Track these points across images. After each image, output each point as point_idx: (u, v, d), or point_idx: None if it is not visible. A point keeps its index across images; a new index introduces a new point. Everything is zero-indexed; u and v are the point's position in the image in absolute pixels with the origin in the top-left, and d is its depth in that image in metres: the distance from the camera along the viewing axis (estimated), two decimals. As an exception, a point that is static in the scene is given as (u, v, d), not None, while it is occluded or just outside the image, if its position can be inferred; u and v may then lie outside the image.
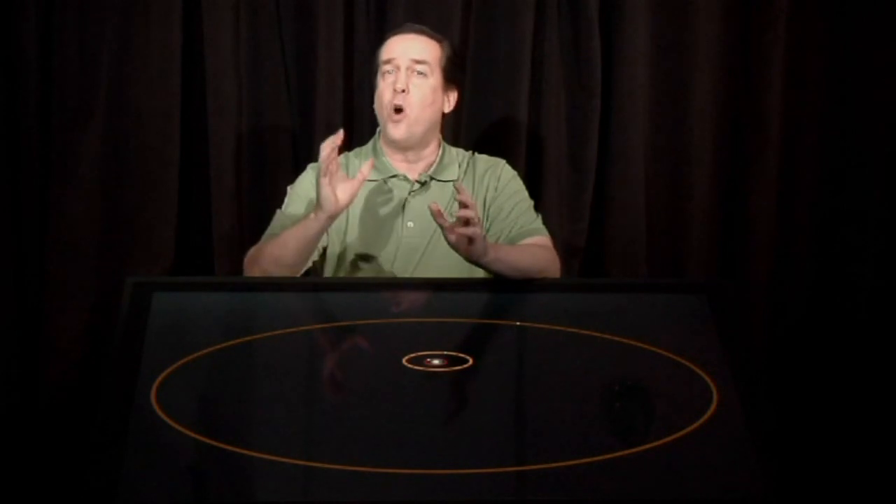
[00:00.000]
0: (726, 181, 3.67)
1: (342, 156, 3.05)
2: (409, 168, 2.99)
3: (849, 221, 3.65)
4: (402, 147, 2.96)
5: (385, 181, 2.98)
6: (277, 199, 3.07)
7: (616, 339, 2.56)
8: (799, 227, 3.67)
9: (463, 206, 2.58)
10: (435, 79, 2.94)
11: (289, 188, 3.01)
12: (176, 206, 3.51)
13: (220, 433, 2.26)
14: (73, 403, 3.44)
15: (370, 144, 3.04)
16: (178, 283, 2.99)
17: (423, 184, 2.98)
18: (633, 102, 3.57)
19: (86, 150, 3.47)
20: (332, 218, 2.74)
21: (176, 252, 3.51)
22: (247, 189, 3.53)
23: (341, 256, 2.93)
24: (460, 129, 3.55)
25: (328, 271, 2.96)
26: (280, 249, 2.78)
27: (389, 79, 2.93)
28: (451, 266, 2.86)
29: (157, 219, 3.50)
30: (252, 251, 2.90)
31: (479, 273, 2.80)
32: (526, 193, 3.06)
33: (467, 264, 2.73)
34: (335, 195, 2.70)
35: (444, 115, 3.02)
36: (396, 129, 2.93)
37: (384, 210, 2.94)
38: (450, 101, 3.01)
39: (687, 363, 2.47)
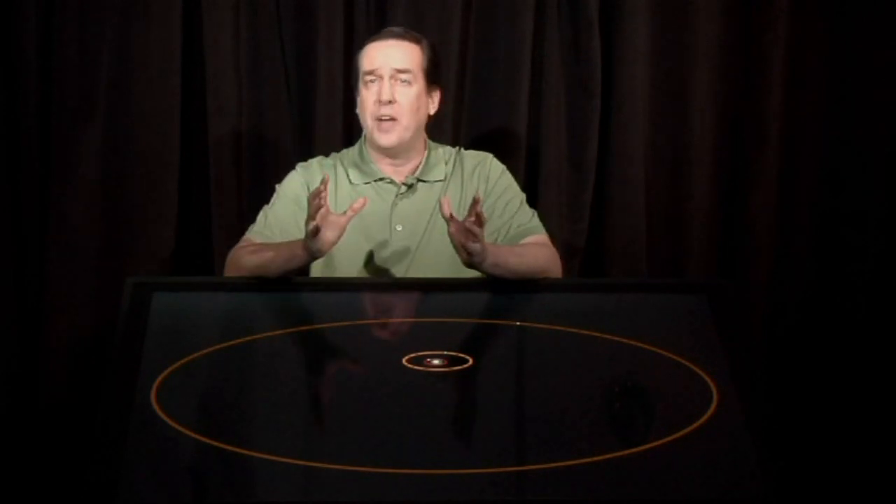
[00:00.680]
0: (726, 181, 3.67)
1: (330, 157, 3.05)
2: (396, 171, 2.98)
3: (849, 221, 3.65)
4: (389, 153, 2.96)
5: (372, 185, 2.98)
6: (277, 198, 3.06)
7: (616, 339, 2.56)
8: (799, 227, 3.67)
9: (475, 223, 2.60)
10: (418, 84, 2.93)
11: (277, 186, 3.01)
12: (176, 206, 3.51)
13: (220, 433, 2.26)
14: (73, 403, 3.44)
15: (356, 148, 3.02)
16: (178, 283, 2.99)
17: (409, 186, 2.97)
18: (633, 102, 3.57)
19: (86, 150, 3.48)
20: (317, 258, 2.73)
21: (176, 252, 3.51)
22: (247, 189, 3.52)
23: (330, 262, 2.92)
24: (460, 129, 3.55)
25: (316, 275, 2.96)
26: (262, 269, 2.75)
27: (373, 88, 2.91)
28: (441, 268, 2.86)
29: (157, 219, 3.50)
30: (235, 253, 2.87)
31: (471, 273, 2.81)
32: (517, 188, 3.05)
33: (458, 265, 2.74)
34: (324, 239, 2.66)
35: (429, 116, 3.01)
36: (385, 138, 2.92)
37: (372, 214, 2.93)
38: (434, 103, 3.00)
39: (687, 363, 2.47)
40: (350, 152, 3.04)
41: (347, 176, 2.98)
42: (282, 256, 2.74)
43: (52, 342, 3.49)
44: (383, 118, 2.90)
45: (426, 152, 3.01)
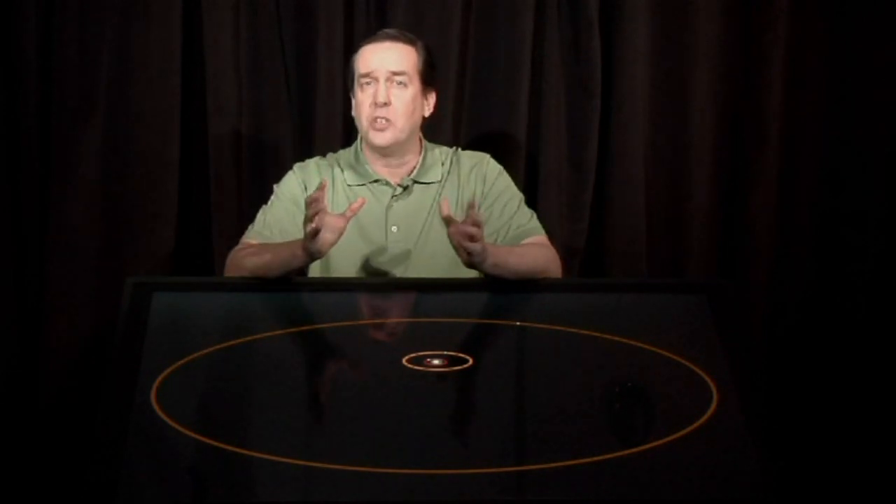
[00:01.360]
0: (726, 181, 3.67)
1: (327, 157, 3.05)
2: (392, 173, 2.98)
3: (849, 221, 3.65)
4: (385, 154, 2.96)
5: (367, 187, 2.98)
6: (277, 198, 3.07)
7: (616, 339, 2.56)
8: (799, 227, 3.67)
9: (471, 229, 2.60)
10: (414, 87, 2.93)
11: (275, 186, 3.01)
12: (176, 206, 3.51)
13: (220, 433, 2.26)
14: (73, 403, 3.44)
15: (352, 150, 3.02)
16: (178, 283, 2.99)
17: (405, 188, 2.97)
18: (633, 102, 3.57)
19: (86, 150, 3.48)
20: (317, 258, 2.73)
21: (176, 252, 3.51)
22: (247, 189, 3.53)
23: (327, 264, 2.92)
24: (460, 129, 3.55)
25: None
26: (262, 270, 2.75)
27: (369, 90, 2.91)
28: (438, 269, 2.86)
29: (157, 219, 3.50)
30: (234, 254, 2.88)
31: (469, 274, 2.81)
32: (515, 189, 3.04)
33: (455, 266, 2.75)
34: (322, 240, 2.65)
35: (424, 118, 3.01)
36: (380, 137, 2.91)
37: (368, 216, 2.93)
38: (429, 105, 3.00)
39: (687, 363, 2.47)
40: (346, 154, 3.04)
41: (343, 177, 2.98)
42: (281, 257, 2.74)
43: (52, 342, 3.49)
44: (378, 119, 2.90)
45: (422, 154, 3.01)
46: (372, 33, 3.40)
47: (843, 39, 3.62)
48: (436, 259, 2.91)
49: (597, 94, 3.55)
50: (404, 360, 2.46)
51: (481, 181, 3.00)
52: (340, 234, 2.67)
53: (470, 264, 2.68)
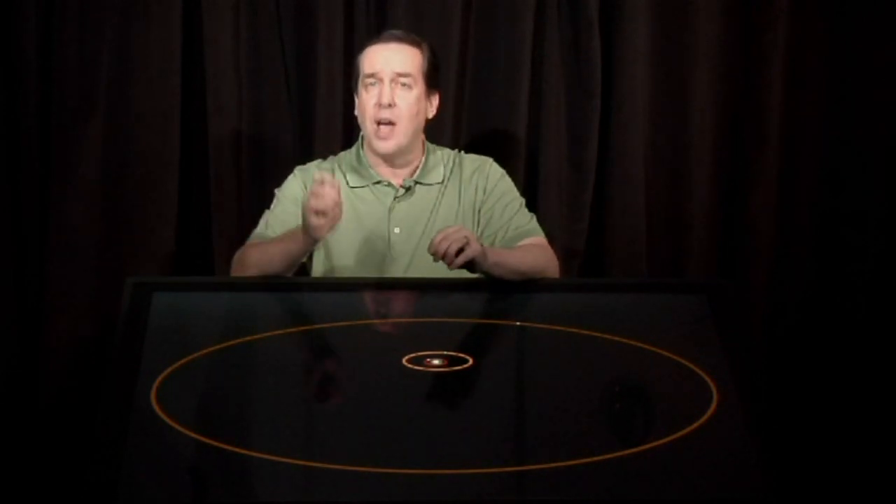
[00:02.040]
0: (726, 181, 3.67)
1: (328, 160, 3.05)
2: (394, 174, 2.98)
3: (849, 221, 3.65)
4: (387, 157, 2.96)
5: (370, 188, 2.98)
6: (277, 199, 3.07)
7: (616, 339, 2.56)
8: (799, 227, 3.67)
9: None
10: (419, 88, 2.93)
11: (276, 191, 3.01)
12: (176, 206, 3.51)
13: (220, 433, 2.26)
14: (73, 403, 3.44)
15: (353, 151, 3.02)
16: (178, 283, 2.99)
17: (407, 189, 2.97)
18: (633, 102, 3.57)
19: (86, 150, 3.48)
20: (318, 242, 2.73)
21: (176, 252, 3.51)
22: (247, 189, 3.53)
23: (329, 265, 2.93)
24: (460, 130, 3.55)
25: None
26: (266, 264, 2.77)
27: (373, 91, 2.91)
28: (440, 269, 2.86)
29: (157, 219, 3.50)
30: (239, 254, 2.89)
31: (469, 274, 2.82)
32: (516, 192, 3.05)
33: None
34: (323, 223, 2.66)
35: (427, 120, 3.01)
36: (384, 143, 2.91)
37: (370, 217, 2.94)
38: (432, 106, 3.00)
39: (687, 363, 2.47)
40: (347, 155, 3.04)
41: (345, 179, 2.98)
42: (283, 244, 2.76)
43: (52, 342, 3.49)
44: (382, 122, 2.90)
45: (424, 155, 3.01)
46: (373, 33, 3.42)
47: (843, 39, 3.62)
48: (438, 262, 2.91)
49: (597, 94, 3.55)
50: (404, 360, 2.46)
51: (483, 183, 3.00)
52: (339, 212, 2.67)
53: (470, 267, 2.68)
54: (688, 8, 3.60)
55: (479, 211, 2.98)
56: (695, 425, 2.30)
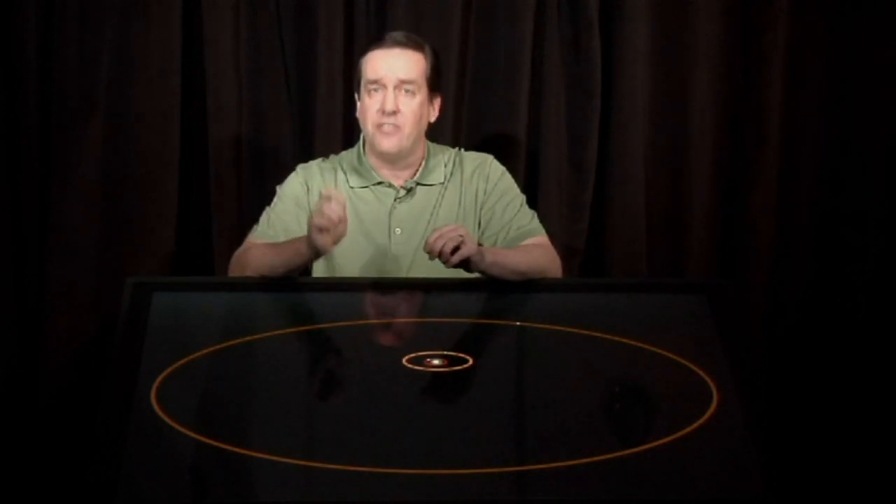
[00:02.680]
0: (726, 181, 3.67)
1: (329, 159, 3.05)
2: (395, 176, 2.98)
3: (849, 221, 3.65)
4: (388, 158, 2.96)
5: (371, 189, 2.98)
6: (277, 198, 3.07)
7: (616, 339, 2.56)
8: (799, 227, 3.67)
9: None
10: (422, 94, 2.92)
11: (277, 188, 3.01)
12: (176, 206, 3.51)
13: (220, 433, 2.26)
14: (73, 403, 3.44)
15: (354, 152, 3.02)
16: (178, 283, 2.99)
17: (408, 190, 2.97)
18: (633, 102, 3.58)
19: (86, 150, 3.48)
20: (322, 256, 2.74)
21: (176, 252, 3.51)
22: (247, 189, 3.53)
23: (330, 266, 2.93)
24: (460, 130, 3.55)
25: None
26: (266, 269, 2.76)
27: (377, 97, 2.90)
28: (441, 270, 2.86)
29: (157, 219, 3.50)
30: (240, 252, 2.89)
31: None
32: (517, 190, 3.04)
33: (457, 268, 2.75)
34: (328, 239, 2.66)
35: (430, 124, 3.01)
36: (387, 142, 2.91)
37: (371, 218, 2.94)
38: (434, 110, 2.99)
39: (687, 363, 2.47)
40: (348, 155, 3.03)
41: (346, 180, 2.98)
42: (285, 255, 2.75)
43: (52, 342, 3.49)
44: (385, 125, 2.90)
45: (425, 156, 3.01)
46: (373, 33, 3.42)
47: (843, 39, 3.62)
48: (438, 261, 2.91)
49: (597, 94, 3.55)
50: (404, 360, 2.46)
51: (483, 182, 3.00)
52: (345, 227, 2.66)
53: (467, 267, 2.69)
54: (688, 8, 3.60)
55: (480, 211, 2.98)
56: (695, 425, 2.30)
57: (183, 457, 2.24)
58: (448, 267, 2.66)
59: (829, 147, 3.66)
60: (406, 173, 2.98)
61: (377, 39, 3.01)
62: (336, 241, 2.66)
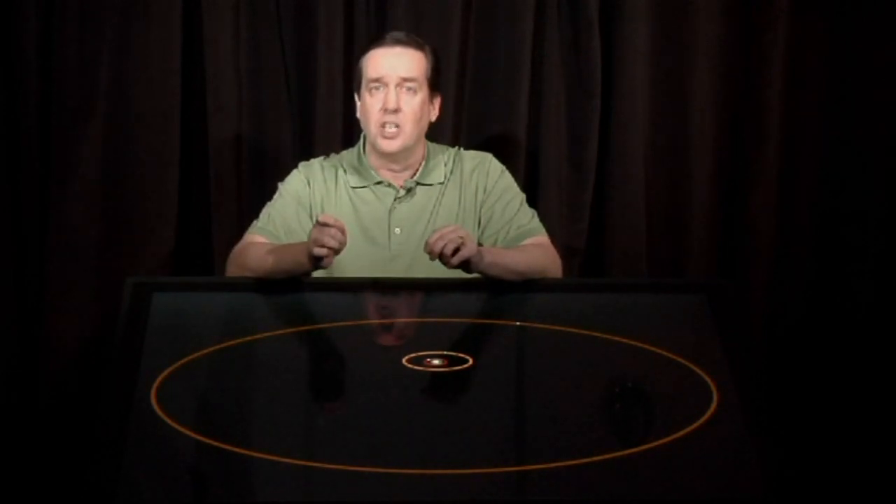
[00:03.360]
0: (726, 181, 3.67)
1: (330, 157, 3.05)
2: (395, 176, 2.98)
3: (849, 221, 3.65)
4: (389, 158, 2.96)
5: (370, 189, 2.98)
6: (278, 198, 3.07)
7: (616, 339, 2.56)
8: (799, 227, 3.67)
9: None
10: (423, 93, 2.93)
11: (279, 184, 3.01)
12: (176, 206, 3.51)
13: (220, 433, 2.26)
14: (73, 403, 3.44)
15: (355, 152, 3.02)
16: (178, 283, 2.99)
17: (408, 190, 2.98)
18: (633, 102, 3.57)
19: (86, 151, 3.48)
20: (324, 267, 2.74)
21: (176, 252, 3.51)
22: (247, 189, 3.53)
23: (332, 268, 2.93)
24: (460, 129, 3.55)
25: None
26: (264, 271, 2.76)
27: (378, 96, 2.91)
28: (441, 270, 2.87)
29: (157, 219, 3.50)
30: (238, 249, 2.89)
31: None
32: (517, 189, 3.05)
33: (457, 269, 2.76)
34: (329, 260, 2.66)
35: (430, 123, 3.01)
36: (389, 143, 2.92)
37: (371, 218, 2.95)
38: (435, 110, 3.00)
39: (687, 363, 2.47)
40: (349, 155, 3.04)
41: (346, 179, 2.98)
42: (284, 264, 2.74)
43: (52, 342, 3.49)
44: (387, 126, 2.90)
45: (425, 156, 3.01)
46: (373, 33, 3.42)
47: (843, 39, 3.62)
48: (438, 261, 2.92)
49: (597, 94, 3.55)
50: (404, 360, 2.46)
51: (483, 181, 3.00)
52: (344, 240, 2.66)
53: (466, 267, 2.69)
54: (688, 8, 3.60)
55: (480, 210, 2.98)
56: (695, 425, 2.30)
57: (183, 457, 2.24)
58: (448, 268, 2.67)
59: (829, 147, 3.66)
60: (406, 173, 2.99)
61: (377, 39, 3.02)
62: (337, 254, 2.66)
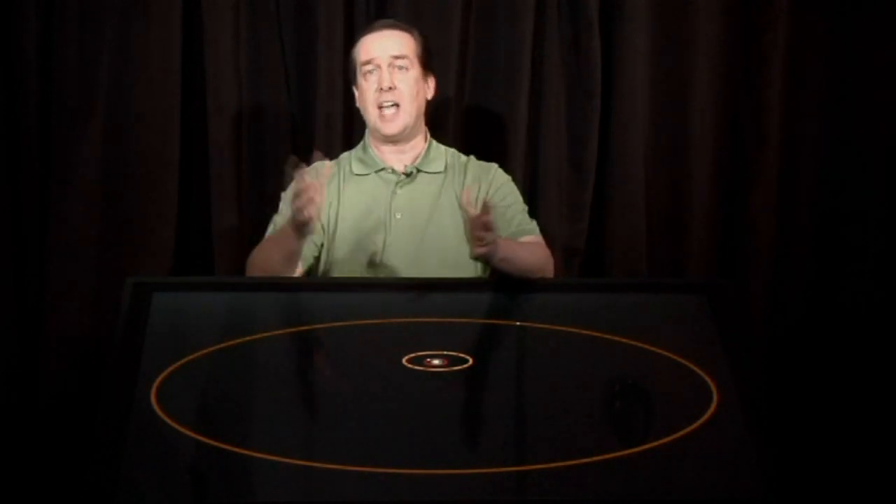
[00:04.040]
0: (726, 181, 3.67)
1: (335, 159, 3.07)
2: (397, 161, 3.02)
3: (849, 221, 3.65)
4: (392, 140, 2.98)
5: (373, 175, 3.00)
6: (277, 199, 3.06)
7: (616, 339, 2.56)
8: (799, 227, 3.67)
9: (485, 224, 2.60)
10: (415, 70, 2.98)
11: (282, 194, 3.02)
12: (176, 206, 3.51)
13: (220, 433, 2.26)
14: (73, 403, 3.44)
15: (360, 145, 3.06)
16: (178, 283, 2.99)
17: (409, 175, 3.00)
18: (633, 102, 3.57)
19: (86, 151, 3.47)
20: (309, 233, 2.74)
21: (176, 252, 3.51)
22: (247, 189, 3.53)
23: (332, 251, 2.95)
24: (461, 130, 3.55)
25: (319, 265, 2.98)
26: (268, 262, 2.80)
27: (372, 78, 2.96)
28: (440, 257, 2.89)
29: (157, 219, 3.50)
30: (250, 256, 2.91)
31: (472, 267, 2.83)
32: (520, 196, 3.07)
33: (457, 254, 2.80)
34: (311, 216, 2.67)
35: (427, 103, 3.03)
36: (390, 125, 2.96)
37: (372, 203, 2.99)
38: (430, 88, 3.05)
39: (687, 363, 2.47)
40: (355, 150, 3.09)
41: (351, 168, 3.02)
42: (280, 242, 2.79)
43: (52, 342, 3.49)
44: (385, 104, 2.94)
45: (427, 144, 3.04)
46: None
47: (843, 39, 3.62)
48: (438, 248, 2.93)
49: (597, 94, 3.55)
50: (404, 360, 2.46)
51: (487, 184, 3.02)
52: (322, 201, 2.67)
53: (480, 256, 2.70)
54: (688, 8, 3.60)
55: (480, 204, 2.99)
56: (695, 425, 2.30)
57: (183, 457, 2.24)
58: (472, 255, 2.69)
59: (829, 147, 3.66)
60: (408, 158, 3.03)
61: (364, 28, 3.05)
62: (318, 214, 2.66)
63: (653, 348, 2.52)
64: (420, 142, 3.04)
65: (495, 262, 2.72)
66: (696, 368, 2.46)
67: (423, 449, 2.24)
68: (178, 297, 2.67)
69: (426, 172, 3.02)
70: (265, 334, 2.57)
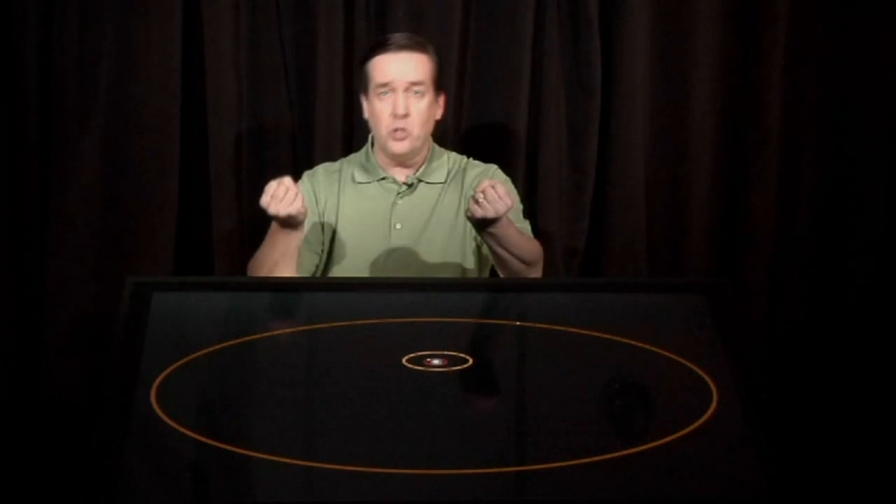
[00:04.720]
0: (726, 181, 3.67)
1: (338, 162, 3.08)
2: (398, 171, 3.03)
3: (849, 221, 3.65)
4: (397, 158, 3.01)
5: (375, 184, 3.01)
6: (277, 199, 3.06)
7: (616, 339, 2.55)
8: (799, 226, 3.67)
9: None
10: (430, 94, 3.00)
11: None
12: (176, 206, 3.51)
13: (220, 433, 2.26)
14: (73, 403, 3.44)
15: (363, 151, 3.08)
16: (178, 283, 2.98)
17: (410, 185, 3.00)
18: (633, 102, 3.58)
19: (86, 151, 3.48)
20: (298, 228, 2.75)
21: (176, 252, 3.51)
22: (247, 189, 3.53)
23: (332, 259, 2.96)
24: (460, 129, 3.55)
25: (318, 273, 2.99)
26: (267, 266, 2.83)
27: (387, 100, 2.96)
28: (440, 267, 2.88)
29: (157, 219, 3.50)
30: (251, 260, 2.93)
31: (475, 273, 2.81)
32: (517, 196, 3.07)
33: (459, 264, 2.82)
34: (290, 212, 2.72)
35: (436, 122, 3.05)
36: (399, 146, 2.98)
37: (373, 212, 3.00)
38: (440, 108, 3.07)
39: (687, 363, 2.47)
40: (358, 155, 3.10)
41: (352, 176, 3.01)
42: (272, 241, 2.82)
43: (52, 342, 3.49)
44: (397, 130, 2.95)
45: (429, 154, 3.04)
46: (373, 33, 3.43)
47: (843, 39, 3.62)
48: (438, 258, 2.93)
49: (597, 93, 3.56)
50: (404, 360, 2.45)
51: (485, 179, 3.01)
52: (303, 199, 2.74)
53: (478, 221, 2.74)
54: (688, 8, 3.60)
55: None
56: (695, 425, 2.30)
57: (183, 457, 2.23)
58: (468, 214, 2.72)
59: (829, 147, 3.66)
60: (409, 169, 3.03)
61: (381, 44, 3.04)
62: (297, 213, 2.71)
63: (653, 348, 2.52)
64: (423, 155, 3.05)
65: (494, 231, 2.73)
66: (696, 368, 2.45)
67: (423, 449, 2.24)
68: (178, 297, 2.67)
69: (427, 183, 3.02)
70: (265, 334, 2.57)
